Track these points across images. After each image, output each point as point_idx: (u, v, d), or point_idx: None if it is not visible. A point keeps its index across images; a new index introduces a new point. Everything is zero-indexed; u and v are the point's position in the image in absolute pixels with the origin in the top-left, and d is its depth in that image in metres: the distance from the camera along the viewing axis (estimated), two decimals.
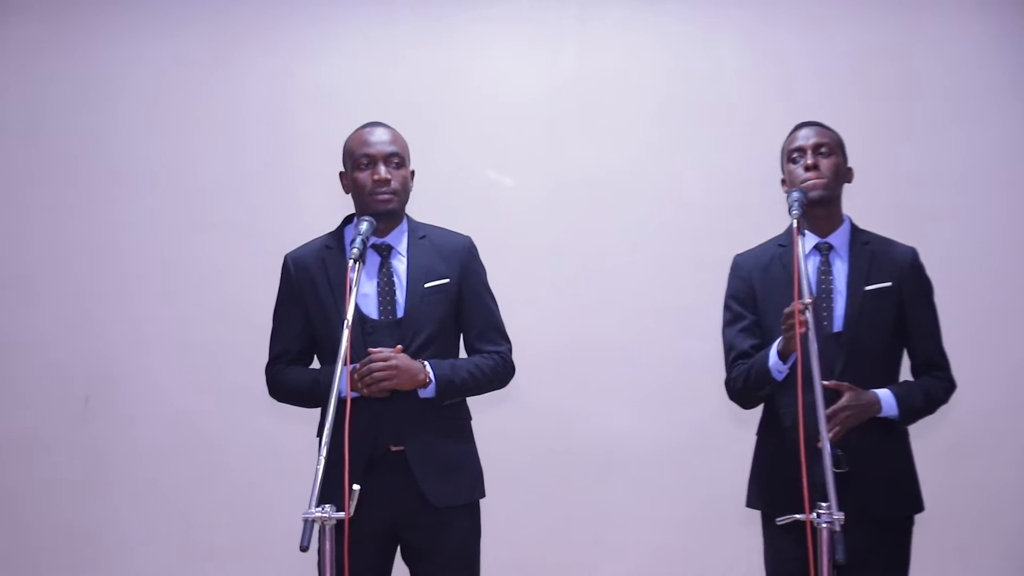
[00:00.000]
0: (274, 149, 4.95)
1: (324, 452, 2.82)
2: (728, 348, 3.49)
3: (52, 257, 4.98)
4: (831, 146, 3.44)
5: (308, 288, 3.40)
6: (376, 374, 3.23)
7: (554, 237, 4.89)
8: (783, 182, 3.49)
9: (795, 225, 3.22)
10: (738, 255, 3.57)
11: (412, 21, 4.96)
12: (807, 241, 3.41)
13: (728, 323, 3.51)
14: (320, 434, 3.37)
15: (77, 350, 4.97)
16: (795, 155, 3.44)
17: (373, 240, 3.34)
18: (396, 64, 4.93)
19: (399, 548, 3.40)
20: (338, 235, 3.44)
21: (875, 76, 4.83)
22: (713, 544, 4.67)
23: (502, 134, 4.93)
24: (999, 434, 4.75)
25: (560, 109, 4.93)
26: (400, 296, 3.37)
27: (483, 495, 3.45)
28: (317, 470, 2.80)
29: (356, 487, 2.83)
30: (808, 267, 3.35)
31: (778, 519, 3.08)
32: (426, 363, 3.32)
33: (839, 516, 2.86)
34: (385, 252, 3.38)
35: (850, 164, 3.51)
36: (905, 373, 3.53)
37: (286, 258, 3.47)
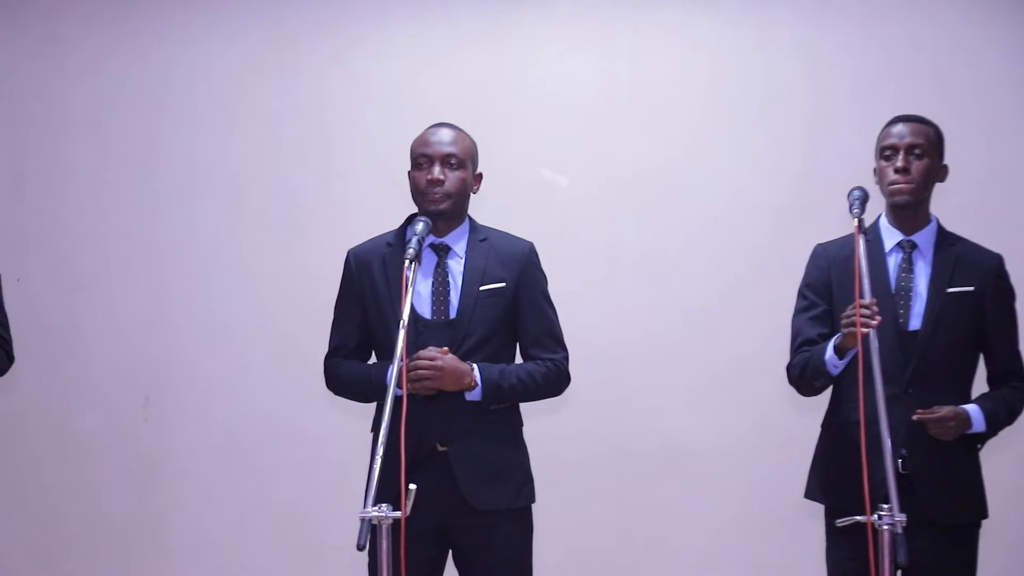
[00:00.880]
0: (333, 149, 4.96)
1: (380, 451, 2.82)
2: (795, 334, 3.47)
3: (113, 259, 5.03)
4: (925, 147, 3.38)
5: (367, 284, 3.40)
6: (420, 372, 3.22)
7: (609, 236, 4.87)
8: (876, 171, 3.45)
9: (856, 224, 3.21)
10: (819, 244, 3.54)
11: (468, 21, 4.95)
12: (890, 238, 3.41)
13: (800, 310, 3.49)
14: (375, 429, 3.37)
15: (138, 350, 5.00)
16: (887, 152, 3.39)
17: (431, 240, 3.34)
18: (452, 64, 4.94)
19: (451, 550, 3.38)
20: (400, 233, 3.41)
21: (936, 72, 4.76)
22: (773, 544, 4.64)
23: (557, 133, 4.93)
24: None
25: (615, 108, 4.92)
26: (454, 297, 3.36)
27: (532, 500, 3.41)
28: (372, 469, 2.81)
29: (412, 486, 2.82)
30: (889, 264, 3.37)
31: (838, 521, 3.06)
32: (474, 366, 3.30)
33: (901, 518, 2.83)
34: (442, 252, 3.37)
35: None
36: (979, 381, 3.50)
37: (348, 253, 3.48)
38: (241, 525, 4.93)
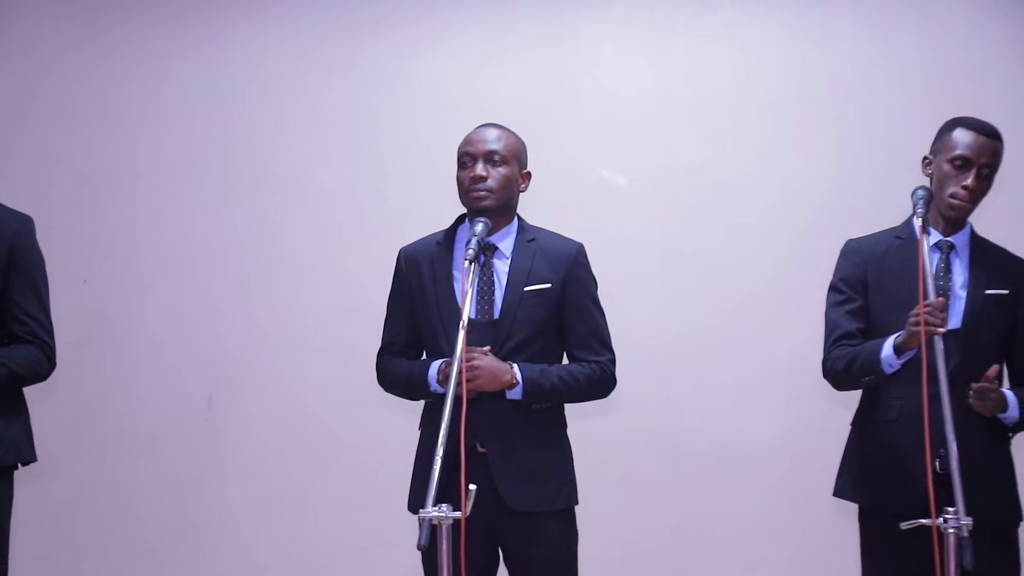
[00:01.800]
0: (394, 150, 4.98)
1: (440, 451, 2.84)
2: (832, 327, 3.43)
3: (177, 258, 5.07)
4: (994, 166, 3.36)
5: (415, 282, 3.42)
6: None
7: (666, 236, 4.86)
8: (926, 162, 3.41)
9: (919, 224, 3.20)
10: (852, 240, 3.52)
11: (528, 21, 4.96)
12: (930, 237, 3.36)
13: (835, 303, 3.45)
14: (422, 426, 3.41)
15: (200, 350, 5.04)
16: (959, 163, 3.33)
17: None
18: (509, 64, 4.96)
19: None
20: (449, 233, 3.44)
21: (995, 74, 4.73)
22: (825, 545, 4.59)
23: (615, 133, 4.92)
24: None
25: (672, 108, 4.92)
26: (498, 297, 3.35)
27: (573, 503, 3.40)
28: (432, 469, 2.81)
29: (472, 487, 2.83)
30: (929, 263, 3.30)
31: (902, 525, 3.03)
32: (514, 365, 3.28)
33: (967, 521, 2.83)
34: (489, 252, 3.36)
35: None
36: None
37: (399, 252, 3.51)
38: (298, 524, 4.96)
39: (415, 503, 3.28)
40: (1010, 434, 3.39)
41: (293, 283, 5.01)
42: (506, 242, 3.39)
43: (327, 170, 5.01)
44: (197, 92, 5.07)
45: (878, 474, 3.35)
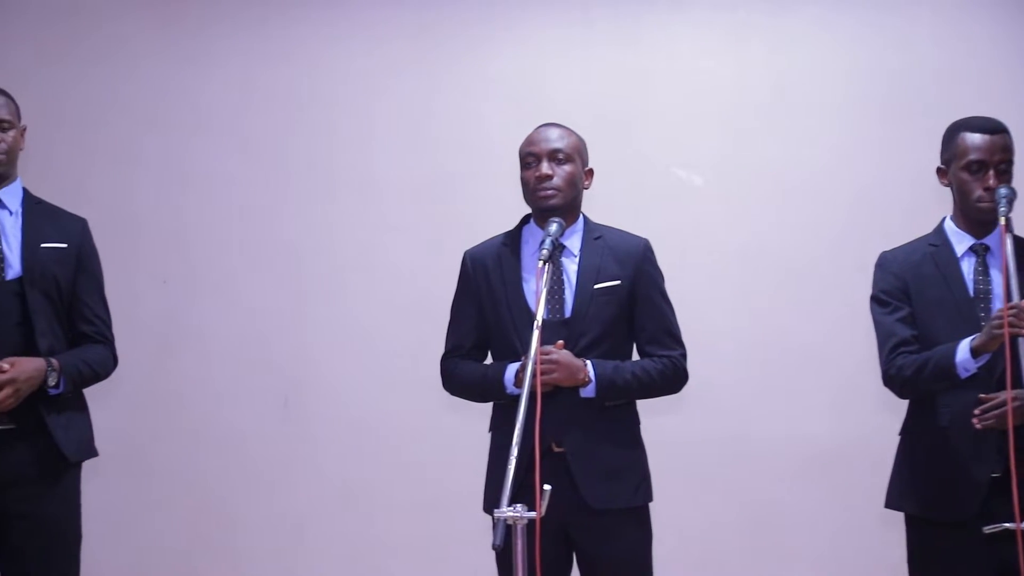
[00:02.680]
0: (468, 151, 5.00)
1: (515, 451, 2.82)
2: (886, 336, 3.37)
3: (254, 260, 5.10)
4: (1009, 158, 3.33)
5: (483, 284, 3.43)
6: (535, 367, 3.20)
7: (742, 236, 4.85)
8: (941, 173, 3.40)
9: (1003, 223, 3.16)
10: (885, 252, 3.49)
11: (605, 21, 4.97)
12: (961, 242, 3.35)
13: (885, 313, 3.40)
14: (492, 428, 3.41)
15: (278, 352, 5.07)
16: (974, 167, 3.31)
17: None
18: (589, 64, 4.95)
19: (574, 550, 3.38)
20: (514, 234, 3.45)
21: None
22: (900, 549, 4.55)
23: (692, 133, 4.92)
24: None
25: (750, 107, 4.91)
26: (568, 296, 3.35)
27: (649, 499, 3.40)
28: (508, 469, 2.80)
29: (547, 487, 2.80)
30: (964, 268, 3.32)
31: (985, 529, 3.01)
32: (587, 362, 3.28)
33: None
34: (557, 251, 3.34)
35: None
36: None
37: (465, 255, 3.52)
38: (378, 524, 4.98)
39: (491, 503, 3.27)
40: None
41: (369, 283, 5.02)
42: (573, 240, 3.39)
43: (405, 170, 5.04)
44: (277, 94, 5.12)
45: (931, 482, 3.31)
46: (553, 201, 3.33)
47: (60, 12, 5.16)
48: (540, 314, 3.03)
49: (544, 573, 3.01)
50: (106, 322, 3.56)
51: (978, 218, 3.31)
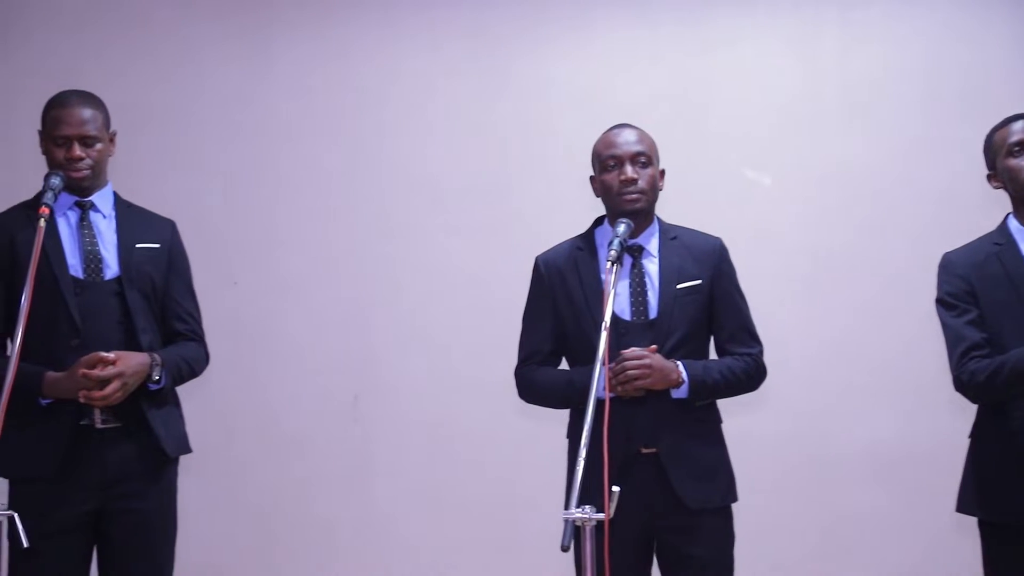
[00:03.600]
0: (531, 152, 5.02)
1: (583, 453, 2.81)
2: (956, 340, 3.32)
3: (321, 261, 5.13)
4: None
5: (559, 289, 3.42)
6: (630, 372, 3.21)
7: (812, 236, 4.85)
8: (990, 177, 3.39)
9: None
10: (948, 253, 3.45)
11: (671, 23, 4.99)
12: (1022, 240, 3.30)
13: (952, 316, 3.36)
14: (571, 435, 3.40)
15: (347, 351, 5.09)
16: (1015, 149, 3.30)
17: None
18: (652, 65, 4.96)
19: (656, 552, 3.38)
20: (588, 236, 3.45)
21: None
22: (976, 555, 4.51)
23: (760, 132, 4.92)
24: None
25: (819, 106, 4.90)
26: (652, 297, 3.36)
27: (736, 499, 3.42)
28: (576, 471, 2.80)
29: (615, 489, 2.81)
30: None
31: None
32: (679, 363, 3.29)
33: None
34: (637, 253, 3.37)
35: None
36: None
37: (537, 260, 3.51)
38: (445, 524, 5.00)
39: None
40: None
41: (434, 285, 5.05)
42: (651, 242, 3.40)
43: (464, 173, 5.07)
44: (339, 98, 5.15)
45: (1001, 487, 3.28)
46: (639, 205, 3.35)
47: (131, 21, 5.21)
48: (608, 316, 3.02)
49: (618, 573, 3.00)
50: (198, 320, 3.65)
51: None
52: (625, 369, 3.21)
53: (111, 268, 3.46)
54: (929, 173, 4.80)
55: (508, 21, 5.06)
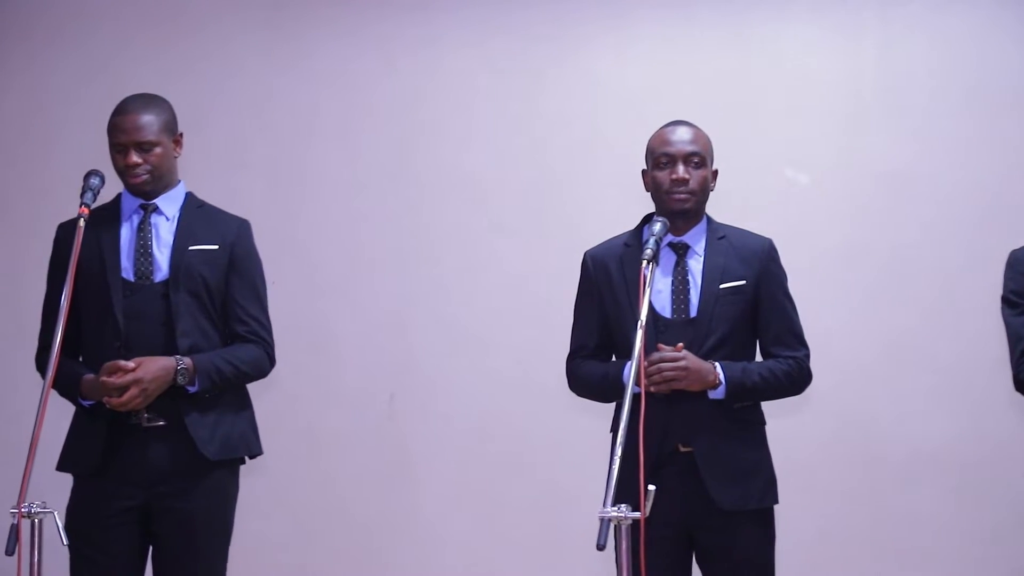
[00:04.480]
0: (573, 152, 5.02)
1: (619, 451, 2.82)
2: (1017, 339, 3.32)
3: (360, 262, 5.14)
4: None
5: (604, 285, 3.43)
6: (666, 373, 3.21)
7: (853, 236, 4.82)
8: None
9: None
10: (1015, 250, 3.42)
11: (710, 21, 4.97)
12: None
13: (1014, 315, 3.35)
14: (614, 430, 3.36)
15: (384, 350, 5.11)
16: None
17: (670, 239, 3.36)
18: (694, 64, 4.97)
19: (694, 552, 3.38)
20: (637, 233, 3.44)
21: None
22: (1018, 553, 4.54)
23: (800, 131, 4.90)
24: None
25: (860, 105, 4.88)
26: (694, 296, 3.36)
27: (775, 501, 3.40)
28: (611, 469, 2.81)
29: (651, 487, 2.80)
30: None
31: None
32: (716, 364, 3.28)
33: None
34: (681, 251, 3.38)
35: None
36: None
37: (585, 255, 3.52)
38: (482, 522, 5.01)
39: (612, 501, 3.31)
40: None
41: (474, 284, 5.06)
42: (698, 240, 3.40)
43: (511, 171, 5.07)
44: (382, 98, 5.16)
45: None
46: (687, 206, 3.35)
47: (165, 17, 5.25)
48: (644, 313, 3.02)
49: (655, 572, 3.01)
50: (261, 322, 3.59)
51: None
52: (661, 369, 3.21)
53: (161, 270, 3.46)
54: (970, 171, 4.77)
55: (550, 20, 5.06)
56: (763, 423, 3.43)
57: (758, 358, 3.46)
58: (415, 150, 5.14)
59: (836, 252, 4.83)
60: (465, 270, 5.07)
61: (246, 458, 3.61)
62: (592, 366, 3.45)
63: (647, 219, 3.45)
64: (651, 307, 3.25)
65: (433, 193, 5.11)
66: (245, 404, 3.61)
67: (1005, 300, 3.39)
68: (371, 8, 5.17)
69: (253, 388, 4.79)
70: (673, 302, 3.36)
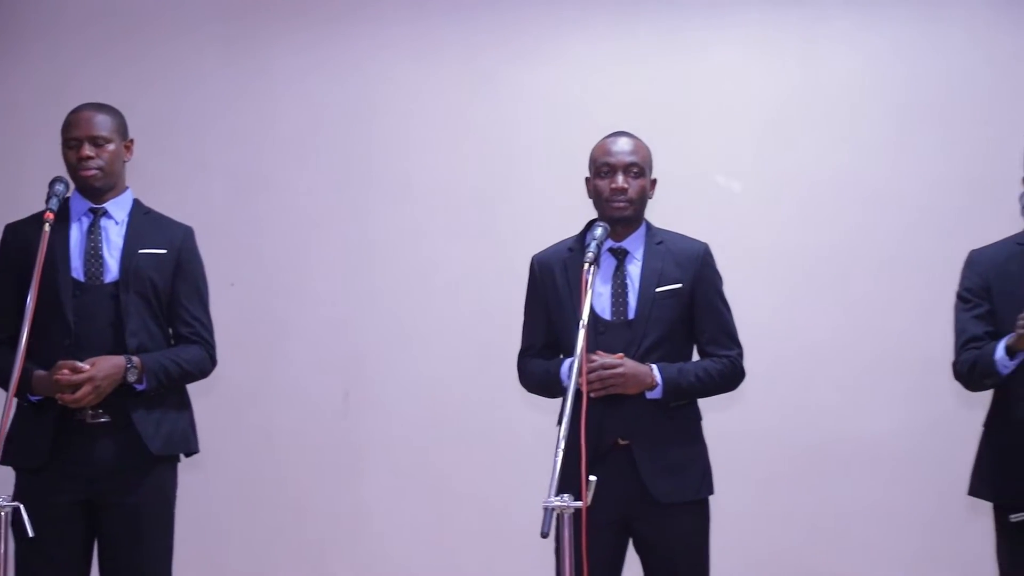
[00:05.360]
0: (518, 159, 5.05)
1: (562, 444, 2.89)
2: (960, 332, 3.44)
3: (315, 265, 5.17)
4: None
5: (550, 287, 3.53)
6: (604, 382, 3.31)
7: (780, 238, 4.87)
8: None
9: None
10: (974, 250, 3.53)
11: (648, 33, 5.01)
12: None
13: (963, 310, 3.46)
14: (560, 424, 3.42)
15: (338, 349, 5.12)
16: None
17: (610, 244, 3.45)
18: (633, 73, 4.99)
19: (631, 539, 3.46)
20: (581, 238, 3.52)
21: None
22: (952, 540, 4.62)
23: (730, 141, 4.94)
24: None
25: (787, 115, 4.92)
26: (632, 299, 3.45)
27: (711, 492, 3.49)
28: (555, 461, 2.87)
29: (592, 478, 2.89)
30: None
31: (1012, 516, 3.13)
32: (653, 366, 3.38)
33: None
34: (621, 256, 3.47)
35: None
36: None
37: (532, 260, 3.60)
38: (433, 514, 5.03)
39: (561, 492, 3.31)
40: None
41: (425, 285, 5.08)
42: (637, 246, 3.50)
43: (456, 178, 5.09)
44: (334, 109, 5.18)
45: (1010, 472, 3.34)
46: (625, 214, 3.44)
47: (124, 23, 5.26)
48: (586, 314, 3.10)
49: (598, 561, 3.07)
50: (204, 324, 3.66)
51: None
52: (600, 376, 3.30)
53: (111, 272, 3.52)
54: (899, 179, 4.81)
55: (495, 32, 5.10)
56: (699, 419, 3.52)
57: (695, 356, 3.55)
58: (367, 158, 5.16)
59: (769, 254, 4.86)
60: (416, 272, 5.09)
61: (182, 456, 3.66)
62: (536, 364, 3.54)
63: (590, 225, 3.51)
64: (592, 309, 3.31)
65: (384, 198, 5.14)
66: (186, 403, 3.66)
67: (959, 296, 3.49)
68: (324, 24, 5.19)
69: (211, 385, 4.79)
70: (612, 305, 3.44)
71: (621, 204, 3.44)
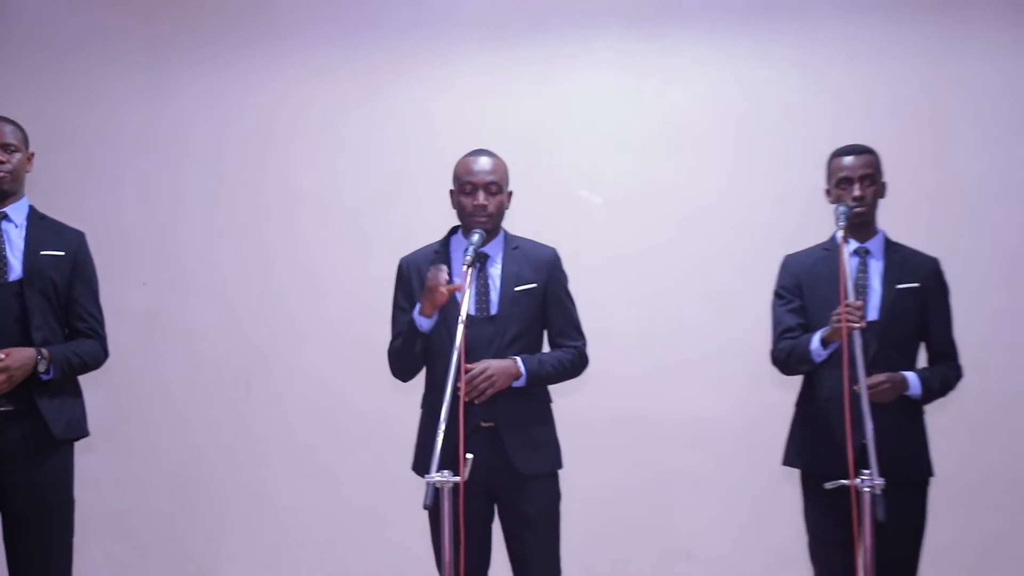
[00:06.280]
0: (399, 172, 5.24)
1: (443, 426, 3.15)
2: (776, 323, 3.82)
3: (222, 266, 5.35)
4: (874, 175, 3.75)
5: (417, 285, 3.72)
6: (482, 386, 3.54)
7: (636, 243, 5.08)
8: (828, 192, 3.80)
9: (840, 235, 3.60)
10: (788, 255, 3.92)
11: (528, 64, 5.23)
12: (849, 245, 3.73)
13: (778, 305, 3.85)
14: (424, 406, 3.74)
15: (241, 342, 5.32)
16: (843, 184, 3.73)
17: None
18: (511, 101, 5.21)
19: (496, 509, 3.72)
20: (445, 242, 3.77)
21: (911, 108, 4.95)
22: (777, 504, 4.73)
23: (596, 158, 5.15)
24: (1005, 416, 4.88)
25: (643, 138, 5.12)
26: (494, 297, 3.70)
27: (561, 466, 3.77)
28: (436, 442, 3.12)
29: (470, 456, 3.17)
30: (849, 266, 3.66)
31: (826, 485, 3.36)
32: (517, 359, 3.64)
33: (880, 481, 3.16)
34: (483, 260, 3.71)
35: (887, 180, 3.82)
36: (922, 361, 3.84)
37: (401, 261, 3.81)
38: (327, 493, 5.22)
39: (420, 467, 3.61)
40: (920, 405, 3.74)
41: (318, 286, 5.27)
42: (496, 251, 3.76)
43: (348, 190, 5.29)
44: (240, 127, 5.36)
45: (814, 444, 3.71)
46: (486, 227, 3.69)
47: (57, 53, 5.47)
48: (465, 309, 3.37)
49: (469, 526, 3.33)
50: (98, 320, 3.82)
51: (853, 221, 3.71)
52: (478, 387, 3.54)
53: (15, 271, 3.65)
54: (744, 193, 5.02)
55: (385, 59, 5.29)
56: (550, 401, 3.80)
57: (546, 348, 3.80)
58: (268, 170, 5.37)
59: (620, 256, 5.07)
60: (310, 273, 5.28)
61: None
62: (397, 341, 3.74)
63: (453, 231, 3.78)
64: (457, 306, 3.49)
65: (283, 207, 5.33)
66: (79, 391, 3.81)
67: (776, 294, 3.86)
68: (230, 51, 5.39)
69: (127, 374, 4.88)
70: (477, 302, 3.68)
71: (483, 219, 3.67)
